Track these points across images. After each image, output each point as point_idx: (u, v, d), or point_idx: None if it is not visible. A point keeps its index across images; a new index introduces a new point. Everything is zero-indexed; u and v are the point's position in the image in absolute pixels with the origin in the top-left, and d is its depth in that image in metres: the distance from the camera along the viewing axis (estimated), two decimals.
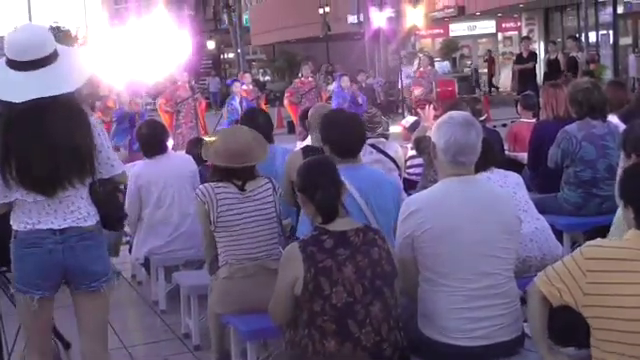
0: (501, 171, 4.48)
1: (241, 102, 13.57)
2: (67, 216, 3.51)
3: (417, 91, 17.03)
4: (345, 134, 4.24)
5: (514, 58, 20.56)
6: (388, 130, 6.43)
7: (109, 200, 3.66)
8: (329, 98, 15.82)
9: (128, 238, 7.08)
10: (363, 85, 19.84)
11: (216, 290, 4.39)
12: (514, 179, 4.53)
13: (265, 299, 3.51)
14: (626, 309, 2.76)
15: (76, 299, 3.66)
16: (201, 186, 4.41)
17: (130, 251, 6.78)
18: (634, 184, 2.95)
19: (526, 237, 4.33)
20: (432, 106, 6.27)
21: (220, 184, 4.32)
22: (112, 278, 3.74)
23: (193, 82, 15.66)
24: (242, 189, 4.32)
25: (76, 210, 3.52)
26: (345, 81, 15.16)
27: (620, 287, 2.77)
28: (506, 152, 6.90)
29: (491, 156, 4.19)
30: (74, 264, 3.52)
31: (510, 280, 3.36)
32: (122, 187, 3.89)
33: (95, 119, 3.64)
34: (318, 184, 3.38)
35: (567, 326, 3.05)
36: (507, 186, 4.41)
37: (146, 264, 6.29)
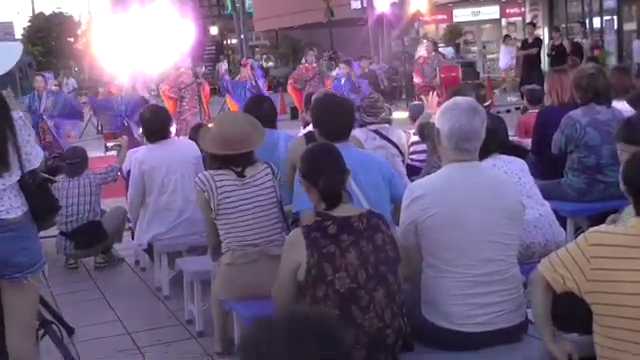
0: (505, 157, 4.47)
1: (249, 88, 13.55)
2: None
3: (417, 79, 16.96)
4: (332, 118, 4.31)
5: (519, 44, 20.53)
6: (391, 115, 6.41)
7: (40, 192, 3.69)
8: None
9: (131, 224, 7.09)
10: (366, 71, 19.77)
11: (219, 276, 4.40)
12: (519, 165, 4.51)
13: (268, 285, 3.51)
14: (629, 295, 2.76)
15: (2, 288, 3.68)
16: (200, 174, 4.40)
17: (133, 237, 6.80)
18: (632, 171, 2.96)
19: (530, 223, 4.32)
20: (435, 92, 6.25)
21: (219, 171, 4.32)
22: (39, 269, 3.71)
23: (204, 68, 15.63)
24: (241, 175, 4.31)
25: None
26: (343, 67, 14.97)
27: (623, 274, 2.77)
28: (511, 138, 6.88)
29: (493, 143, 4.16)
30: None
31: (513, 266, 3.36)
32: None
33: (17, 113, 3.63)
34: (322, 170, 3.38)
35: (569, 312, 3.04)
36: (511, 172, 4.39)
37: (149, 250, 6.30)
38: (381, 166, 4.35)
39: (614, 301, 2.79)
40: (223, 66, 22.23)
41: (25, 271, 3.61)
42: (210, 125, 4.53)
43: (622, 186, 3.00)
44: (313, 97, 5.56)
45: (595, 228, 2.97)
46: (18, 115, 3.61)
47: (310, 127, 5.61)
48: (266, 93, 12.37)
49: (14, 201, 3.57)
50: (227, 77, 15.89)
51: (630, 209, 3.26)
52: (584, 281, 2.86)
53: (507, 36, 24.98)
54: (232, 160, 4.32)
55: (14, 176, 3.55)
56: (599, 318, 2.86)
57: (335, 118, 4.32)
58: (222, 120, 4.53)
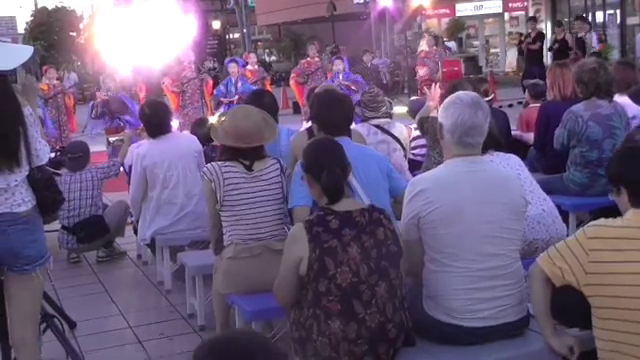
0: (501, 154, 4.44)
1: (236, 82, 13.44)
2: (0, 202, 3.57)
3: (422, 71, 16.93)
4: (332, 113, 4.31)
5: (522, 38, 20.54)
6: (391, 109, 6.41)
7: (46, 185, 3.74)
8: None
9: (133, 219, 7.10)
10: (369, 65, 19.76)
11: (221, 270, 4.40)
12: (516, 161, 4.49)
13: (270, 279, 3.51)
14: (627, 287, 2.78)
15: (8, 281, 3.71)
16: (208, 165, 4.42)
17: (135, 231, 6.81)
18: (625, 165, 2.98)
19: (533, 220, 4.31)
20: (438, 85, 6.23)
21: (227, 163, 4.33)
22: (46, 262, 3.76)
23: (212, 62, 15.47)
24: (249, 169, 4.33)
25: (10, 197, 3.59)
26: (338, 64, 14.70)
27: (621, 266, 2.80)
28: (513, 133, 6.87)
29: (489, 140, 4.14)
30: (6, 247, 3.58)
31: (516, 261, 3.36)
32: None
33: (28, 110, 3.66)
34: (324, 165, 3.39)
35: (566, 307, 3.05)
36: (510, 168, 4.38)
37: (152, 245, 6.31)
38: (380, 161, 4.35)
39: (613, 293, 2.80)
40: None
41: (34, 263, 3.66)
42: (222, 118, 4.54)
43: (613, 182, 3.01)
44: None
45: (594, 222, 2.99)
46: (29, 112, 3.66)
47: None
48: (250, 87, 12.16)
49: (25, 195, 3.63)
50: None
51: None
52: (583, 274, 2.87)
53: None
54: (242, 153, 4.34)
55: (24, 171, 3.61)
56: (598, 311, 2.87)
57: (334, 113, 4.32)
58: (236, 113, 4.53)
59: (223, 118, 4.53)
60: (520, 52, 31.80)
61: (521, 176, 4.38)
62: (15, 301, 3.72)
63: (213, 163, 4.40)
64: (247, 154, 4.36)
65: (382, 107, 6.13)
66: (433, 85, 6.27)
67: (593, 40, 17.44)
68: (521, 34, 32.24)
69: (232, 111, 4.67)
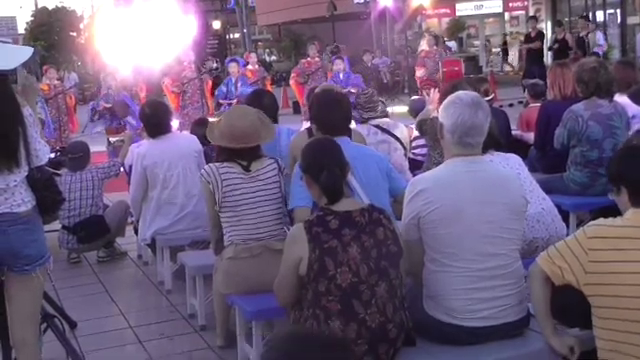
0: (501, 154, 4.44)
1: (236, 82, 13.42)
2: (0, 202, 3.57)
3: (420, 72, 16.90)
4: (331, 113, 4.31)
5: (522, 38, 20.57)
6: (386, 108, 6.43)
7: (46, 186, 3.75)
8: None
9: (133, 219, 7.10)
10: (369, 65, 19.74)
11: (221, 270, 4.40)
12: (516, 161, 4.48)
13: (270, 279, 3.51)
14: (627, 286, 2.78)
15: (8, 281, 3.71)
16: (206, 166, 4.43)
17: (135, 231, 6.81)
18: (625, 164, 2.99)
19: (533, 218, 4.31)
20: (437, 89, 6.24)
21: (225, 164, 4.34)
22: (47, 262, 3.75)
23: (215, 63, 15.39)
24: (247, 169, 4.33)
25: (10, 197, 3.58)
26: (338, 63, 14.69)
27: (621, 265, 2.80)
28: (513, 132, 6.87)
29: (489, 140, 4.13)
30: (7, 248, 3.58)
31: (516, 261, 3.36)
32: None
33: (27, 110, 3.66)
34: (322, 165, 3.39)
35: (566, 306, 3.05)
36: (510, 168, 4.37)
37: (152, 245, 6.31)
38: (379, 161, 4.35)
39: (613, 292, 2.81)
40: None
41: (34, 263, 3.66)
42: (219, 118, 4.55)
43: (613, 181, 3.01)
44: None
45: (594, 221, 3.00)
46: (28, 112, 3.66)
47: None
48: (248, 89, 12.18)
49: (25, 195, 3.63)
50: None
51: None
52: (582, 273, 2.87)
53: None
54: (239, 153, 4.35)
55: (23, 172, 3.61)
56: (598, 310, 2.88)
57: (333, 113, 4.32)
58: (232, 113, 4.54)
59: (219, 119, 4.54)
60: (505, 52, 31.96)
61: (521, 175, 4.37)
62: (15, 301, 3.72)
63: (211, 164, 4.41)
64: (244, 154, 4.36)
65: (378, 107, 6.14)
66: (432, 89, 6.28)
67: (600, 39, 17.43)
68: (505, 34, 32.42)
69: (228, 111, 4.69)
